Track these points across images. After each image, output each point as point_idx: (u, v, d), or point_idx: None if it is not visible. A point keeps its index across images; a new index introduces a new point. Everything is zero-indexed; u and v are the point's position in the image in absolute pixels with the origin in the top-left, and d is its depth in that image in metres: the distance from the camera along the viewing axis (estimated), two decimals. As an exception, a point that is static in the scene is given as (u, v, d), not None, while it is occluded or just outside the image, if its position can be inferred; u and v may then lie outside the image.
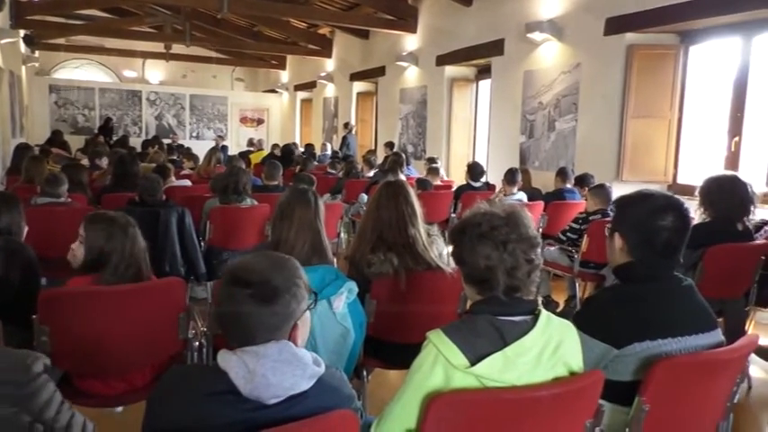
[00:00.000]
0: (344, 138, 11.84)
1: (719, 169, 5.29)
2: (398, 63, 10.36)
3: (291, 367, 1.26)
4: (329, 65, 13.95)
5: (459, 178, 8.15)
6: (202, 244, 4.37)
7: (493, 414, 1.43)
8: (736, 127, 5.44)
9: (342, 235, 5.74)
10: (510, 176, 5.81)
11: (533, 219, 1.65)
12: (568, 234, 4.56)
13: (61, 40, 14.80)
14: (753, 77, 5.35)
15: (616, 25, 6.05)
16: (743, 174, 3.83)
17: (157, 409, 1.28)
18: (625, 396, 1.67)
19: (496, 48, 8.03)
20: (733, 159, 5.47)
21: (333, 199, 6.58)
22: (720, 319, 2.86)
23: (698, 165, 6.04)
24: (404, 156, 8.07)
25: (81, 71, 17.88)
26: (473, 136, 9.60)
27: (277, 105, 18.13)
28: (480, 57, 8.46)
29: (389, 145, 10.19)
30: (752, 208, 3.24)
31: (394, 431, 1.45)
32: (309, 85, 15.17)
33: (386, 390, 3.01)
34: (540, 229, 5.02)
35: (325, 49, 13.71)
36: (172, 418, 1.24)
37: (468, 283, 1.58)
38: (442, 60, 9.33)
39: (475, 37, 8.48)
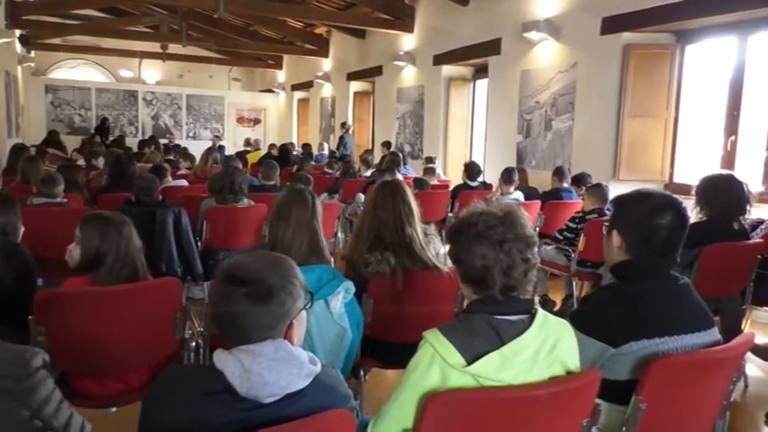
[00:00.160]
0: (341, 137, 11.84)
1: (716, 168, 5.30)
2: (395, 63, 10.37)
3: (288, 366, 1.25)
4: (326, 64, 13.94)
5: (456, 178, 8.15)
6: (199, 244, 4.36)
7: (490, 413, 1.43)
8: (732, 126, 5.46)
9: (339, 235, 5.74)
10: (507, 176, 5.81)
11: (530, 218, 1.65)
12: (565, 233, 4.57)
13: (57, 40, 14.79)
14: (748, 77, 5.37)
15: (612, 25, 6.07)
16: (739, 173, 3.85)
17: (153, 409, 1.28)
18: (622, 395, 1.67)
19: (493, 47, 8.03)
20: (729, 158, 5.48)
21: (330, 199, 6.58)
22: (717, 318, 2.87)
23: (694, 164, 6.06)
24: (401, 155, 8.10)
25: (77, 71, 17.84)
26: (470, 135, 9.61)
27: (274, 105, 18.11)
28: (477, 56, 8.47)
29: (386, 144, 10.20)
30: (748, 207, 3.26)
31: (391, 431, 1.44)
32: (306, 85, 15.16)
33: (383, 389, 3.00)
34: (537, 229, 5.02)
35: (321, 48, 13.70)
36: (168, 419, 1.24)
37: (465, 283, 1.58)
38: (439, 60, 9.33)
39: (472, 36, 8.49)
